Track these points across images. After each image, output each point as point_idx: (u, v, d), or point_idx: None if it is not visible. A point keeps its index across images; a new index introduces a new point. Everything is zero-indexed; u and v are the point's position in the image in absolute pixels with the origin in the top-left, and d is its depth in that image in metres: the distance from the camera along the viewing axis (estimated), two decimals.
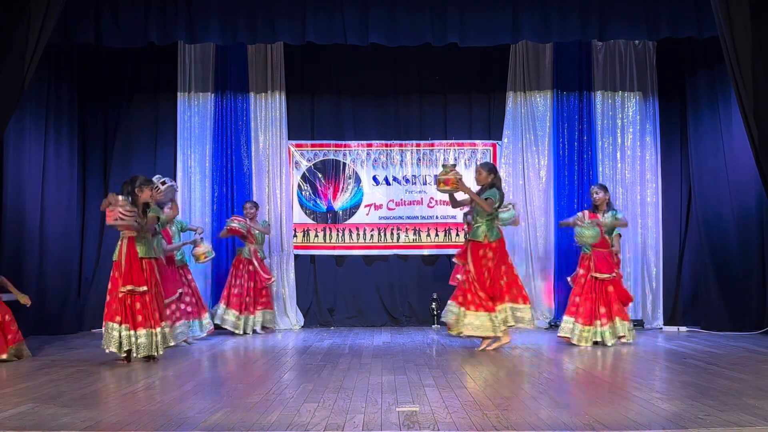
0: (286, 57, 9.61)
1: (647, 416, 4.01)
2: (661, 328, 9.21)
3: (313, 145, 9.74)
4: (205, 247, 8.19)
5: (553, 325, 8.97)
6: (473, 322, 6.89)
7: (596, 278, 7.36)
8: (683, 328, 9.08)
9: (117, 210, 6.25)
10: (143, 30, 7.91)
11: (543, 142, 9.62)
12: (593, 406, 4.33)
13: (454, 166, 7.13)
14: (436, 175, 7.42)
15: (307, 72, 9.73)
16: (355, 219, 9.61)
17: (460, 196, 7.32)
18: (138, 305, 6.29)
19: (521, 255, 9.41)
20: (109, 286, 6.38)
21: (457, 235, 9.56)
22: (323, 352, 7.10)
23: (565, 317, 7.45)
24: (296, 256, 9.59)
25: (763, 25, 6.53)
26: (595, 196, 7.73)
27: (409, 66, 9.74)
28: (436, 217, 9.65)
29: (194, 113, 9.60)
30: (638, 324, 9.30)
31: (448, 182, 6.99)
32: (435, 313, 9.25)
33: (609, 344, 7.22)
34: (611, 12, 7.99)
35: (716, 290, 8.89)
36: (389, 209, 9.66)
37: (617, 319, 7.32)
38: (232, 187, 9.54)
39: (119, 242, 6.43)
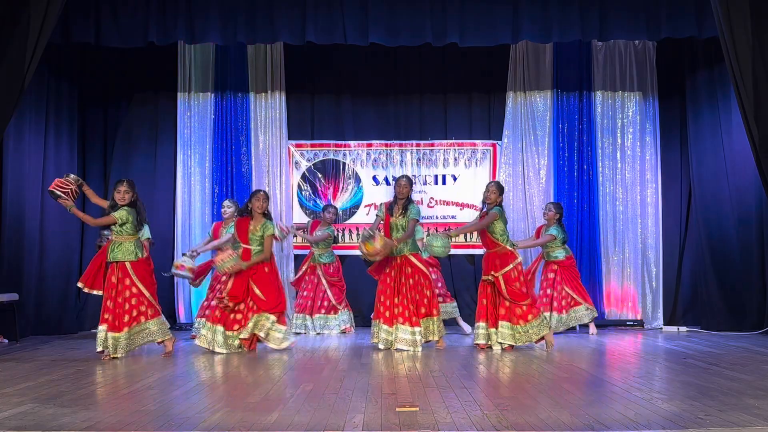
0: (286, 57, 9.61)
1: (647, 416, 4.01)
2: (661, 328, 9.22)
3: (313, 145, 9.74)
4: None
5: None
6: None
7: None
8: (683, 328, 9.08)
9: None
10: (143, 30, 7.92)
11: (543, 142, 9.62)
12: (593, 406, 4.33)
13: (372, 236, 6.99)
14: (363, 241, 7.10)
15: (307, 72, 9.73)
16: (356, 219, 9.61)
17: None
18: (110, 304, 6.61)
19: (522, 255, 9.38)
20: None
21: (457, 235, 9.55)
22: (323, 352, 7.09)
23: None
24: (296, 256, 9.59)
25: (763, 25, 6.54)
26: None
27: (409, 66, 9.74)
28: (436, 217, 9.64)
29: (194, 113, 9.61)
30: (638, 324, 9.33)
31: (377, 253, 6.96)
32: None
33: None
34: (611, 12, 8.00)
35: (716, 290, 8.89)
36: None
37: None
38: (232, 187, 9.55)
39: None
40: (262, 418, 4.04)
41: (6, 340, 7.81)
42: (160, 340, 6.76)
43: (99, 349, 6.54)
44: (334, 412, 4.18)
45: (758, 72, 6.50)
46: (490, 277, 7.07)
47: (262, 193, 7.22)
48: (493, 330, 7.07)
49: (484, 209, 7.26)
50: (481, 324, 7.12)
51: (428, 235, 7.40)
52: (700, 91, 9.23)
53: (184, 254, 8.24)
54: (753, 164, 6.93)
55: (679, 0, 7.96)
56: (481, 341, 7.10)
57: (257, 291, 6.97)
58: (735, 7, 6.55)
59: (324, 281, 8.80)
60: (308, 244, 9.08)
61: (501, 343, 7.02)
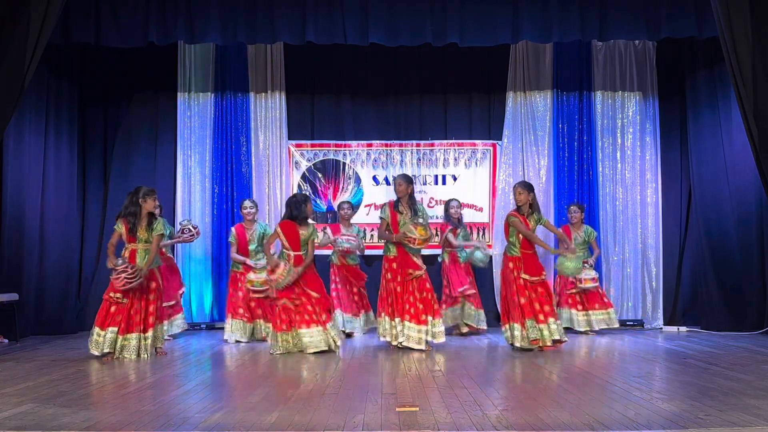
0: (286, 57, 9.61)
1: (647, 416, 4.01)
2: (661, 328, 9.21)
3: (313, 145, 9.74)
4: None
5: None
6: None
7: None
8: (683, 328, 9.08)
9: (121, 277, 6.44)
10: (143, 30, 7.92)
11: (543, 142, 9.62)
12: (593, 406, 4.33)
13: (426, 225, 7.09)
14: (408, 231, 7.08)
15: (307, 72, 9.73)
16: (356, 219, 9.58)
17: None
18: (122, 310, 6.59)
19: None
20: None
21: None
22: (323, 352, 7.08)
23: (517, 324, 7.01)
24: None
25: (763, 25, 6.54)
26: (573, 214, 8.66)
27: (409, 66, 9.74)
28: (436, 217, 9.62)
29: (194, 113, 9.60)
30: (638, 324, 9.33)
31: (415, 242, 7.04)
32: None
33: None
34: (611, 12, 8.00)
35: (716, 290, 8.89)
36: None
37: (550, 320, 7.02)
38: (232, 187, 9.55)
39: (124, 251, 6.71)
40: (262, 418, 4.04)
41: (6, 340, 7.81)
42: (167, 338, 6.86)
43: (106, 350, 6.46)
44: (334, 412, 4.19)
45: (758, 72, 6.50)
46: (542, 278, 7.08)
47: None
48: (539, 326, 6.92)
49: (515, 210, 7.16)
50: (529, 321, 6.91)
51: (561, 257, 7.46)
52: (700, 91, 9.23)
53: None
54: (753, 164, 6.93)
55: (679, 0, 7.96)
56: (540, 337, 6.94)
57: (310, 291, 6.99)
58: (735, 7, 6.55)
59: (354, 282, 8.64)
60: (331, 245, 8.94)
61: (556, 340, 6.93)
